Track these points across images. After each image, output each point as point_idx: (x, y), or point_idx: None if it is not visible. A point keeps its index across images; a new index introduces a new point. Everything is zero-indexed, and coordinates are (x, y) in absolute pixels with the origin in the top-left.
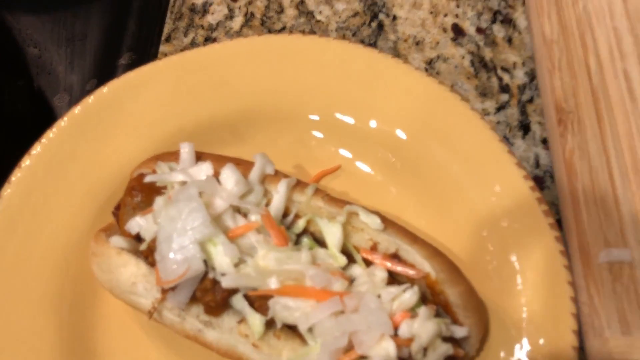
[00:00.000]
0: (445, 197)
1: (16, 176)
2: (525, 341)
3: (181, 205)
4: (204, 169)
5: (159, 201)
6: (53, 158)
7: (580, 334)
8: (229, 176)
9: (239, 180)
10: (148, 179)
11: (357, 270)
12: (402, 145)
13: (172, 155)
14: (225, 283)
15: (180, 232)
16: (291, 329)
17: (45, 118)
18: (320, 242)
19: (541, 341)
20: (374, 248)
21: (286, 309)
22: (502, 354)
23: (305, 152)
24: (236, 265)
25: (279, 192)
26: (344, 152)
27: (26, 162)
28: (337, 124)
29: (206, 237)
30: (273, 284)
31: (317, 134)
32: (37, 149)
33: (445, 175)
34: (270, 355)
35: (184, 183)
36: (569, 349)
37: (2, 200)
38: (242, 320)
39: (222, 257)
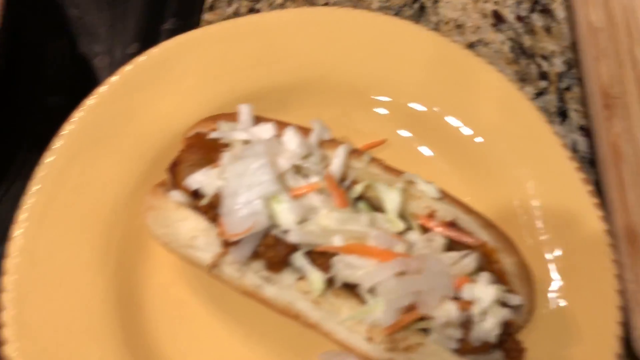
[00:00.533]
0: (493, 176)
1: (66, 129)
2: (569, 315)
3: (248, 161)
4: (267, 130)
5: (225, 157)
6: (104, 113)
7: (625, 310)
8: (292, 138)
9: (301, 143)
10: (213, 135)
11: (414, 236)
12: (442, 122)
13: (228, 117)
14: (292, 238)
15: (247, 188)
16: (349, 290)
17: (86, 79)
18: (375, 208)
19: (585, 316)
20: (431, 216)
21: (349, 267)
22: (547, 327)
23: (350, 125)
24: (299, 223)
25: (338, 156)
26: (389, 127)
27: (78, 114)
28: (382, 101)
29: (272, 194)
30: (337, 241)
31: (362, 108)
32: (89, 102)
33: (492, 154)
34: (330, 313)
35: (246, 142)
36: (613, 323)
37: (51, 152)
38: (302, 278)
39: (286, 214)
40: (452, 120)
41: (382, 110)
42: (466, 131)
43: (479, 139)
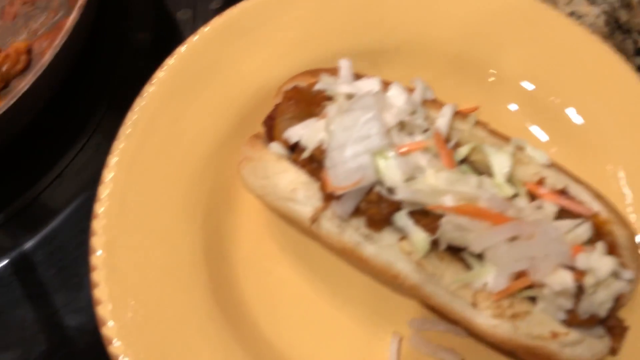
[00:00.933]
0: (597, 151)
1: (158, 76)
2: None
3: (357, 114)
4: (372, 84)
5: (332, 109)
6: (196, 63)
7: None
8: (399, 93)
9: (407, 99)
10: (317, 86)
11: (522, 203)
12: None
13: (327, 72)
14: (399, 195)
15: (354, 141)
16: (454, 253)
17: (169, 32)
18: (480, 172)
19: None
20: (540, 182)
21: (458, 229)
22: None
23: (442, 91)
24: (405, 181)
25: (444, 115)
26: (482, 96)
27: (170, 62)
28: (480, 69)
29: (380, 149)
30: (448, 201)
31: (455, 74)
32: (182, 50)
33: (597, 128)
34: (433, 276)
35: (349, 97)
36: None
37: (143, 98)
38: (403, 238)
39: (393, 170)
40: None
41: (476, 79)
42: (577, 117)
43: (584, 121)
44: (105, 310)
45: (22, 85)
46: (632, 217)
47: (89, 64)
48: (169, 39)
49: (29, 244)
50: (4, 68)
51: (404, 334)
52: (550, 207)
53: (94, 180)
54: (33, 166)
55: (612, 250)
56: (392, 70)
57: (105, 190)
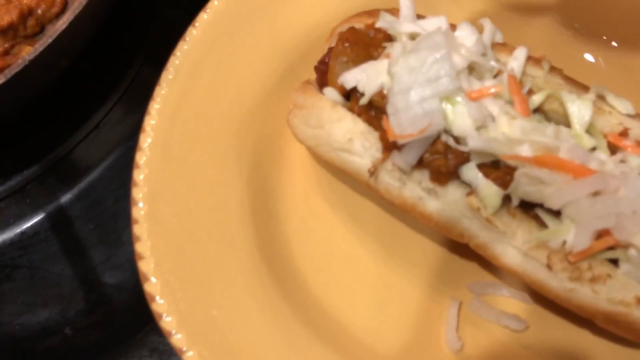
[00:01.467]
0: None
1: (202, 19)
2: None
3: (424, 53)
4: (438, 22)
5: (396, 48)
6: (242, 3)
7: None
8: (469, 33)
9: (478, 39)
10: (379, 24)
11: (602, 156)
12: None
13: (386, 12)
14: (471, 145)
15: (420, 84)
16: (527, 210)
17: None
18: (554, 122)
19: None
20: (623, 134)
21: (534, 182)
22: None
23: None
24: (476, 129)
25: (517, 59)
26: (553, 43)
27: (214, 3)
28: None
29: (449, 93)
30: (525, 151)
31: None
32: None
33: None
34: (504, 234)
35: (413, 38)
36: None
37: (186, 42)
38: (471, 192)
39: (463, 118)
40: None
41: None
42: None
43: None
44: (147, 266)
45: (60, 24)
46: None
47: (126, 15)
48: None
49: (65, 198)
50: (40, 11)
51: (463, 299)
52: (635, 160)
53: (131, 133)
54: (70, 118)
55: None
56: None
57: (146, 139)
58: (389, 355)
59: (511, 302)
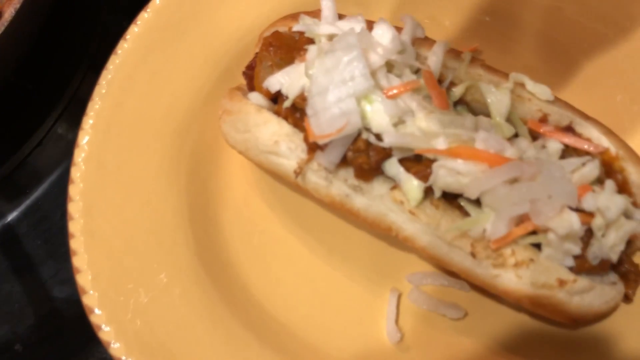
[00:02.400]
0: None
1: (132, 32)
2: None
3: (339, 54)
4: (354, 23)
5: (312, 51)
6: (172, 15)
7: None
8: (385, 31)
9: (394, 37)
10: (296, 28)
11: (523, 143)
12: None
13: (308, 15)
14: (387, 141)
15: (337, 84)
16: (449, 201)
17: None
18: (477, 113)
19: None
20: (543, 120)
21: (452, 173)
22: None
23: (436, 31)
24: (394, 125)
25: (435, 54)
26: (484, 33)
27: (143, 16)
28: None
29: (365, 91)
30: (440, 144)
31: (448, 14)
32: (155, 2)
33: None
34: (428, 225)
35: (331, 38)
36: None
37: (118, 56)
38: (395, 187)
39: (380, 115)
40: None
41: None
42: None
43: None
44: (85, 279)
45: None
46: None
47: (64, 27)
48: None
49: (12, 216)
50: None
51: (403, 290)
52: (554, 145)
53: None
54: (12, 136)
55: (623, 188)
56: (380, 10)
57: (80, 154)
58: (330, 351)
59: (450, 291)
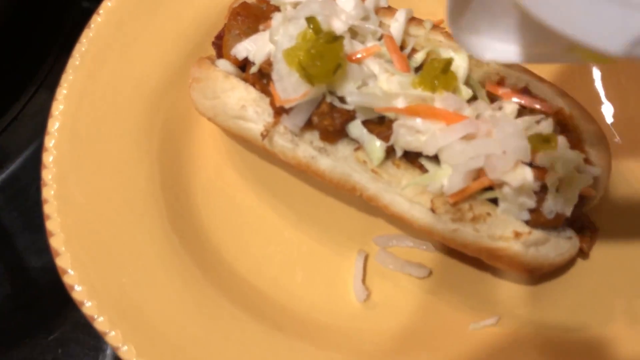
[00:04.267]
0: None
1: (106, 6)
2: None
3: (302, 22)
4: None
5: (276, 18)
6: None
7: None
8: None
9: (357, 4)
10: None
11: (482, 105)
12: None
13: None
14: (351, 100)
15: None
16: (410, 160)
17: None
18: None
19: None
20: (500, 83)
21: (411, 132)
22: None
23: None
24: (358, 88)
25: (397, 21)
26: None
27: None
28: None
29: None
30: (401, 104)
31: None
32: None
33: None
34: (390, 183)
35: (296, 5)
36: None
37: (91, 29)
38: (359, 148)
39: (344, 78)
40: None
41: None
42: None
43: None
44: (57, 242)
45: None
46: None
47: (39, 4)
48: None
49: None
50: None
51: (370, 252)
52: (510, 106)
53: None
54: None
55: (576, 145)
56: None
57: (55, 123)
58: (300, 309)
59: (415, 252)
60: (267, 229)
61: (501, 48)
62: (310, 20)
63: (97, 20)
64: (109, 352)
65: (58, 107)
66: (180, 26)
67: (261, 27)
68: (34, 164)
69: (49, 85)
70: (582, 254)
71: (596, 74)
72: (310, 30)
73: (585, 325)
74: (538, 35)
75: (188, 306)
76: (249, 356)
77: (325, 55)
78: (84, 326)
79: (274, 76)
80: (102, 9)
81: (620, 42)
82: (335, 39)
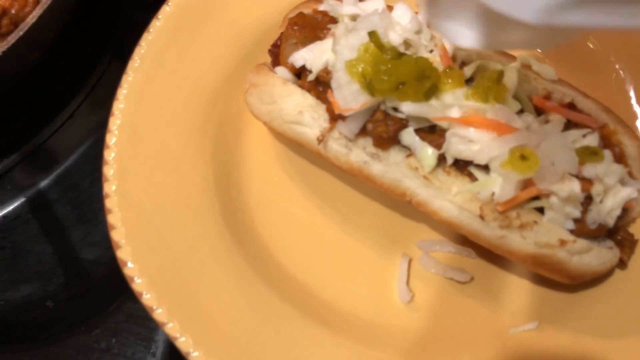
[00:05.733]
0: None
1: (165, 11)
2: None
3: (363, 33)
4: (376, 4)
5: (340, 28)
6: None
7: None
8: (404, 12)
9: (413, 18)
10: (322, 7)
11: (529, 117)
12: None
13: None
14: (406, 109)
15: None
16: (461, 168)
17: None
18: None
19: None
20: (547, 97)
21: (464, 141)
22: None
23: None
24: None
25: None
26: None
27: None
28: None
29: None
30: (455, 113)
31: None
32: None
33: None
34: (440, 190)
35: (354, 18)
36: None
37: (150, 33)
38: (410, 155)
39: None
40: None
41: None
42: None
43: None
44: (119, 235)
45: (29, 18)
46: None
47: (94, 15)
48: None
49: (44, 183)
50: (13, 10)
51: (413, 256)
52: (557, 119)
53: (103, 122)
54: (46, 109)
55: (620, 159)
56: None
57: (115, 122)
58: (345, 307)
59: (457, 258)
60: (314, 230)
61: (469, 34)
62: (372, 35)
63: (156, 25)
64: (160, 342)
65: (118, 106)
66: (234, 33)
67: (321, 36)
68: (87, 160)
69: (99, 89)
70: (622, 264)
71: (632, 93)
72: (372, 44)
73: (624, 333)
74: (495, 21)
75: (240, 300)
76: (299, 349)
77: (391, 72)
78: (137, 317)
79: (333, 84)
80: (161, 14)
81: (533, 9)
82: (399, 55)
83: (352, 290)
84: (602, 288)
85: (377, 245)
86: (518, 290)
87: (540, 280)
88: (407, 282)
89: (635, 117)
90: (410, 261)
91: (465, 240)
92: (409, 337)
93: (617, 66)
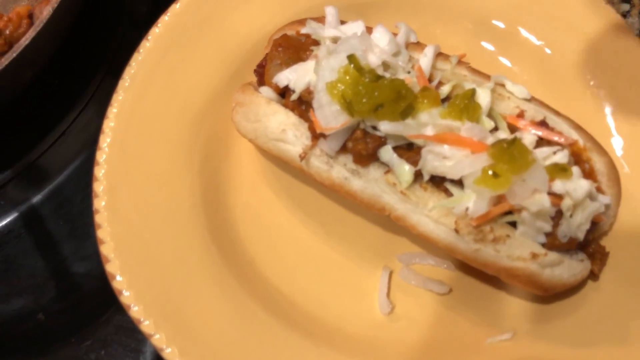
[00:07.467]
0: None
1: (154, 32)
2: None
3: (342, 56)
4: (356, 27)
5: (322, 50)
6: (189, 18)
7: None
8: (383, 35)
9: (391, 40)
10: (303, 31)
11: (502, 135)
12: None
13: (313, 20)
14: (383, 128)
15: None
16: (437, 184)
17: (167, 3)
18: None
19: None
20: (520, 115)
21: (438, 158)
22: (630, 233)
23: (430, 40)
24: None
25: (426, 56)
26: (471, 41)
27: (164, 19)
28: (463, 18)
29: None
30: (430, 131)
31: (442, 23)
32: (174, 8)
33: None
34: (417, 204)
35: (335, 41)
36: None
37: (140, 54)
38: (389, 171)
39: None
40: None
41: (463, 25)
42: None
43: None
44: (108, 249)
45: (24, 39)
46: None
47: (88, 32)
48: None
49: (37, 198)
50: (7, 31)
51: (394, 268)
52: (529, 137)
53: (95, 139)
54: (38, 126)
55: (590, 175)
56: (380, 20)
57: (105, 139)
58: (328, 319)
59: (436, 270)
60: (298, 243)
61: None
62: (351, 58)
63: (146, 45)
64: (148, 354)
65: (109, 124)
66: (222, 53)
67: (304, 58)
68: (79, 177)
69: (92, 107)
70: (593, 275)
71: (607, 109)
72: (352, 66)
73: (596, 343)
74: None
75: (226, 312)
76: None
77: (370, 94)
78: (126, 329)
79: (315, 104)
80: (151, 35)
81: None
82: (378, 77)
83: (334, 302)
84: (574, 299)
85: (360, 259)
86: (495, 301)
87: (516, 292)
88: (388, 294)
89: (609, 133)
90: (391, 273)
91: (444, 253)
92: (389, 348)
93: (591, 83)
